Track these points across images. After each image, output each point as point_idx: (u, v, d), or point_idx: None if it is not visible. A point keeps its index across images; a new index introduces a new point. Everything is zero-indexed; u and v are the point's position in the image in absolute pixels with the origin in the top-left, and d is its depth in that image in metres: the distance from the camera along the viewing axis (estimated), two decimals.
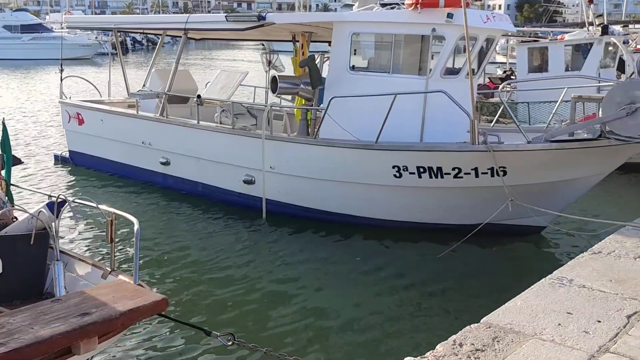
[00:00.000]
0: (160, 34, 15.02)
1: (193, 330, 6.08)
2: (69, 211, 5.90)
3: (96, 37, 57.19)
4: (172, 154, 12.49)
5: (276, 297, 7.99)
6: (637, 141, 8.36)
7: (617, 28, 23.19)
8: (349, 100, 9.95)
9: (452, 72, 10.54)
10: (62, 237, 9.39)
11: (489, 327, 4.11)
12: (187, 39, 13.58)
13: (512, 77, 21.44)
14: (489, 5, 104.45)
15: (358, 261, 9.24)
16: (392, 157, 9.66)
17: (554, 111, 10.94)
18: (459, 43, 10.01)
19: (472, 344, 3.89)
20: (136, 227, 5.02)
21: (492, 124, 12.60)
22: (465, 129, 9.25)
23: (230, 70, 14.41)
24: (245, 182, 11.21)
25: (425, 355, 3.83)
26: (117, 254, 8.62)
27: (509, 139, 9.50)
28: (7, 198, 6.55)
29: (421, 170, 9.56)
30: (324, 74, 10.97)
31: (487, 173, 9.29)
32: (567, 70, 18.08)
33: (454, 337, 4.01)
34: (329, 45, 11.75)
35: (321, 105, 10.59)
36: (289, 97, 12.56)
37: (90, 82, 16.39)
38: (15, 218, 6.13)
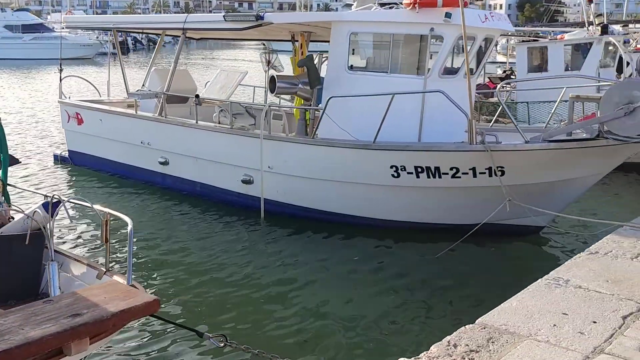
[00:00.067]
0: (160, 34, 15.02)
1: (186, 331, 6.06)
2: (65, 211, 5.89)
3: (97, 37, 57.30)
4: (171, 153, 12.49)
5: (273, 298, 7.97)
6: (635, 141, 8.34)
7: (617, 28, 23.16)
8: (347, 100, 9.94)
9: (451, 71, 10.53)
10: (60, 237, 9.50)
11: (484, 328, 4.09)
12: (185, 39, 13.59)
13: (512, 76, 21.43)
14: (490, 5, 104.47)
15: (356, 261, 9.23)
16: (390, 157, 9.65)
17: (552, 111, 10.91)
18: (458, 43, 10.00)
19: (467, 345, 3.87)
20: (130, 227, 5.00)
21: (491, 123, 12.58)
22: (464, 128, 9.23)
23: (230, 69, 14.40)
24: (243, 182, 11.21)
25: (419, 357, 3.82)
26: (115, 254, 8.62)
27: (508, 139, 9.49)
28: (3, 198, 6.54)
29: (419, 170, 9.54)
30: (323, 74, 10.96)
31: (485, 173, 9.27)
32: (566, 69, 18.06)
33: (448, 337, 4.00)
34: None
35: (320, 105, 10.58)
36: (288, 96, 12.55)
37: (89, 82, 16.40)
38: (12, 218, 6.12)
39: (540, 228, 10.21)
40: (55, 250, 5.62)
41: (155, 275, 8.56)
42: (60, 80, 15.09)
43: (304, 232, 10.33)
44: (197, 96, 12.05)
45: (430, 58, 10.13)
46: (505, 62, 30.01)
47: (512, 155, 9.11)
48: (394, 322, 7.35)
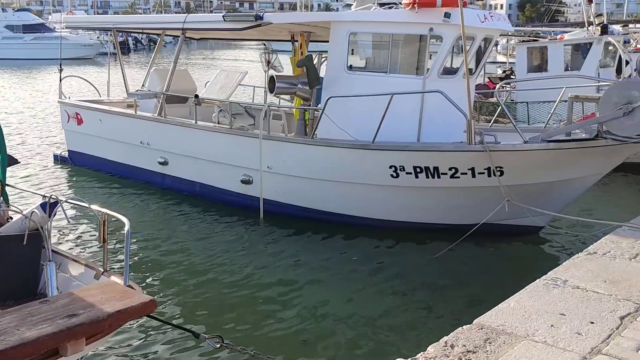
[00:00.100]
0: (159, 34, 15.01)
1: (182, 332, 6.05)
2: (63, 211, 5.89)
3: (98, 37, 57.34)
4: (170, 153, 12.49)
5: (272, 298, 7.97)
6: (634, 141, 8.33)
7: (617, 28, 23.14)
8: (347, 100, 9.93)
9: (450, 71, 10.51)
10: (58, 238, 9.50)
11: (481, 329, 4.09)
12: (185, 39, 13.58)
13: (512, 76, 21.41)
14: (490, 5, 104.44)
15: (355, 261, 9.22)
16: (388, 157, 9.64)
17: (552, 111, 10.90)
18: (457, 43, 9.98)
19: (464, 346, 3.87)
20: (127, 227, 4.99)
21: (490, 123, 12.58)
22: (463, 129, 9.22)
23: (230, 70, 14.39)
24: (242, 182, 11.20)
25: (416, 357, 3.81)
26: (114, 254, 8.62)
27: (507, 139, 9.48)
28: (1, 198, 6.53)
29: (418, 170, 9.53)
30: (322, 74, 10.95)
31: (483, 173, 9.27)
32: (566, 69, 18.03)
33: (445, 338, 3.99)
34: None
35: (319, 105, 10.57)
36: (288, 97, 12.54)
37: (89, 82, 16.39)
38: (11, 218, 6.13)
39: (539, 228, 10.21)
40: (53, 251, 5.63)
41: (153, 276, 8.54)
42: (60, 80, 15.08)
43: (303, 232, 10.32)
44: (196, 96, 12.05)
45: (430, 58, 10.12)
46: (505, 62, 30.02)
47: (511, 155, 9.10)
48: (393, 322, 7.34)
